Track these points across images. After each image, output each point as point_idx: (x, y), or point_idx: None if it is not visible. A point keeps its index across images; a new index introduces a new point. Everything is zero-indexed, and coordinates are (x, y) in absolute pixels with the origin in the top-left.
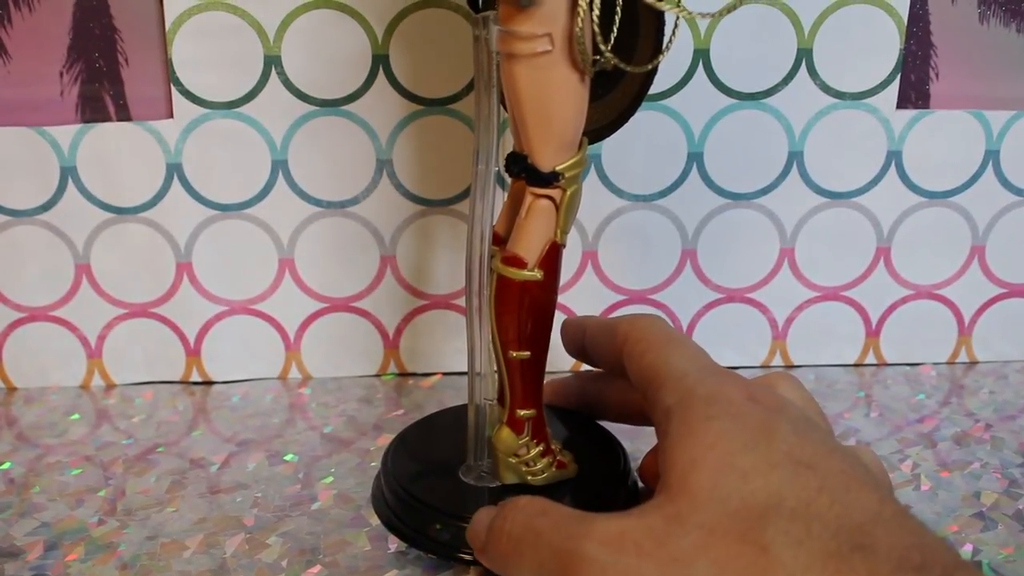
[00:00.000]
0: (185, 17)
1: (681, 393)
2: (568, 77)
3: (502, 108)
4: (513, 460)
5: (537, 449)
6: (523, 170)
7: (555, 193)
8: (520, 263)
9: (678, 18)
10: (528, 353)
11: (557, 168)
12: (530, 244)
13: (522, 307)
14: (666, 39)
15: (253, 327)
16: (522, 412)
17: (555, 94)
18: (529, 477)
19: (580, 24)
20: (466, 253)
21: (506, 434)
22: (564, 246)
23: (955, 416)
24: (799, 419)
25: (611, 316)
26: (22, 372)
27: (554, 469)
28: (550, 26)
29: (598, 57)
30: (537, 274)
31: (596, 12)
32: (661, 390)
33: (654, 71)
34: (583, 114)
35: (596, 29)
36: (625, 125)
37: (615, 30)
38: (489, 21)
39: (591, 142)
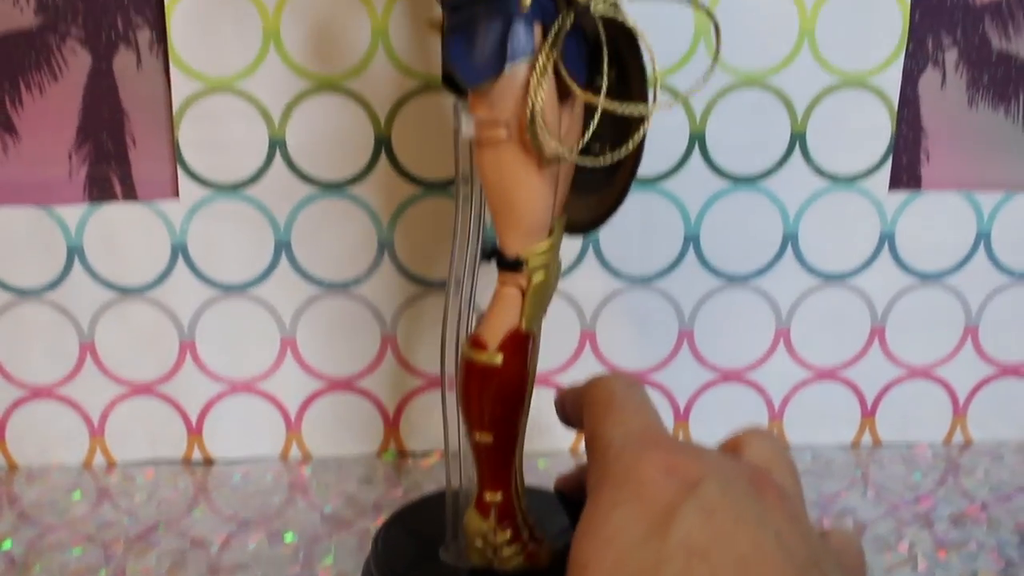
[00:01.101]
0: (192, 100)
1: (598, 473)
2: (527, 165)
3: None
4: (479, 544)
5: (504, 535)
6: (491, 255)
7: (521, 279)
8: (481, 346)
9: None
10: (491, 437)
11: (521, 255)
12: (493, 329)
13: (483, 390)
14: (638, 135)
15: (255, 406)
16: (488, 496)
17: (515, 181)
18: (496, 563)
19: (531, 115)
20: (441, 334)
21: (472, 517)
22: (533, 334)
23: (951, 496)
24: (717, 491)
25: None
26: (24, 450)
27: (522, 558)
28: (507, 114)
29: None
30: (496, 359)
31: (540, 105)
32: (589, 467)
33: (637, 161)
34: (548, 202)
35: (542, 122)
36: (623, 208)
37: (590, 128)
38: (460, 108)
39: (587, 231)
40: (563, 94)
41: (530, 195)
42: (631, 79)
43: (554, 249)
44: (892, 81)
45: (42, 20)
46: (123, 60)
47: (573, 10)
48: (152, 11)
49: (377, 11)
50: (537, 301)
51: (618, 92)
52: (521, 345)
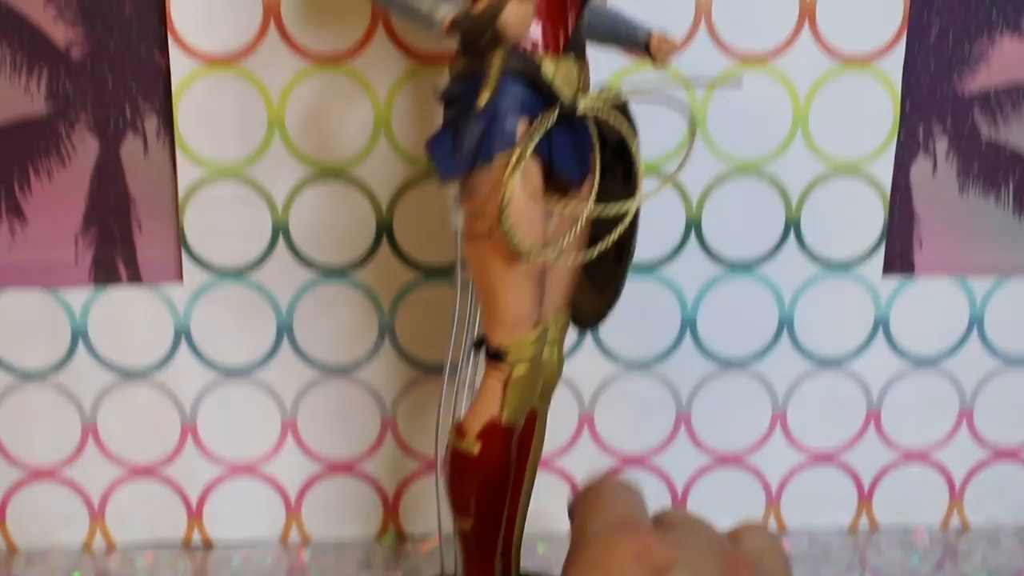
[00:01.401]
0: (198, 186)
1: (572, 558)
2: (506, 259)
3: None
4: None
5: None
6: (479, 344)
7: (503, 371)
8: (461, 434)
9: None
10: (470, 524)
11: (503, 347)
12: (474, 417)
13: (463, 478)
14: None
15: (255, 489)
16: None
17: (495, 274)
18: None
19: (500, 210)
20: (436, 419)
21: None
22: (513, 426)
23: None
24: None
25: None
26: (24, 532)
27: None
28: (488, 207)
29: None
30: (474, 448)
31: (507, 201)
32: (567, 555)
33: (627, 257)
34: (529, 296)
35: (511, 218)
36: (622, 292)
37: (572, 231)
38: (454, 200)
39: (592, 326)
40: (556, 192)
41: (509, 289)
42: (638, 171)
43: (540, 343)
44: (884, 169)
45: (52, 107)
46: (130, 147)
47: (557, 108)
48: (160, 99)
49: (380, 100)
50: (518, 394)
51: (626, 184)
52: (500, 436)
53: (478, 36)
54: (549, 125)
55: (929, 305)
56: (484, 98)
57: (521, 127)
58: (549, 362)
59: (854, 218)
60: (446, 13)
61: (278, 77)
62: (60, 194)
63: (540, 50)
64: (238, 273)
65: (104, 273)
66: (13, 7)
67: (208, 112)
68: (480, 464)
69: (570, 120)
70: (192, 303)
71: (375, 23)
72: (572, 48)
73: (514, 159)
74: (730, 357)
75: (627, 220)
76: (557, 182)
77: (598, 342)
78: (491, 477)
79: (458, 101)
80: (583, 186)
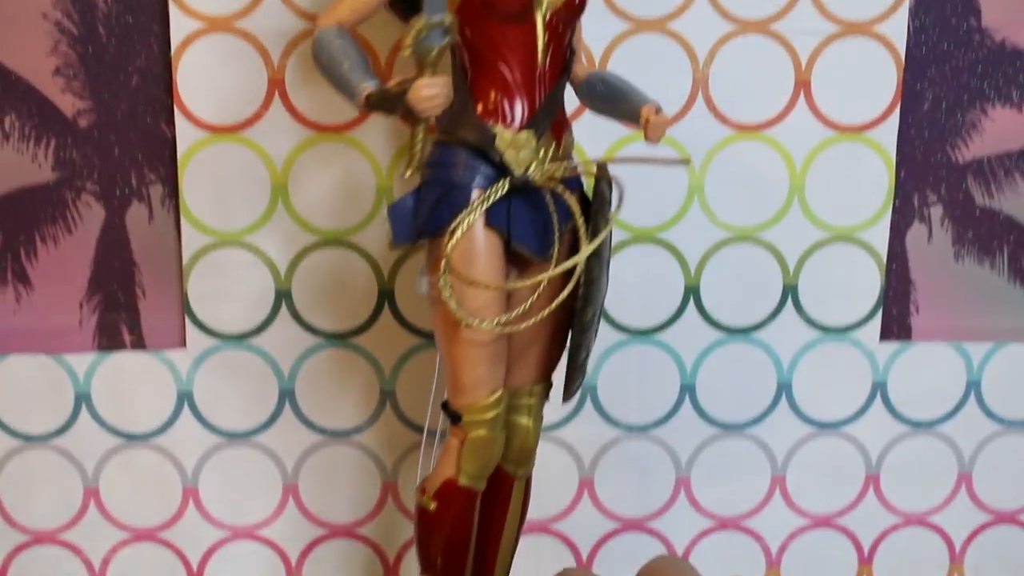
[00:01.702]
0: (202, 253)
1: None
2: (456, 326)
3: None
4: None
5: None
6: (444, 406)
7: (460, 433)
8: (421, 491)
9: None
10: None
11: (458, 409)
12: (433, 476)
13: (422, 533)
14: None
15: (256, 552)
16: None
17: (448, 339)
18: None
19: (440, 282)
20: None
21: None
22: (472, 487)
23: None
24: None
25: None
26: None
27: None
28: (436, 279)
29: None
30: (430, 505)
31: (443, 273)
32: None
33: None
34: (483, 363)
35: (446, 292)
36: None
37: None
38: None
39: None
40: (522, 263)
41: (461, 354)
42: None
43: (498, 409)
44: (880, 236)
45: (59, 175)
46: (136, 214)
47: (508, 180)
48: (165, 167)
49: (382, 169)
50: (474, 457)
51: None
52: (458, 496)
53: (390, 111)
54: (496, 197)
55: (926, 370)
56: (408, 170)
57: (475, 197)
58: (522, 428)
59: (851, 284)
60: (365, 87)
61: (282, 146)
62: (65, 260)
63: (500, 123)
64: (241, 338)
65: (108, 338)
66: (22, 77)
67: (213, 180)
68: (438, 521)
69: (531, 192)
70: (195, 368)
71: None
72: (537, 122)
73: (450, 229)
74: (729, 421)
75: (565, 292)
76: (518, 254)
77: (598, 406)
78: (452, 536)
79: (427, 168)
80: (550, 257)
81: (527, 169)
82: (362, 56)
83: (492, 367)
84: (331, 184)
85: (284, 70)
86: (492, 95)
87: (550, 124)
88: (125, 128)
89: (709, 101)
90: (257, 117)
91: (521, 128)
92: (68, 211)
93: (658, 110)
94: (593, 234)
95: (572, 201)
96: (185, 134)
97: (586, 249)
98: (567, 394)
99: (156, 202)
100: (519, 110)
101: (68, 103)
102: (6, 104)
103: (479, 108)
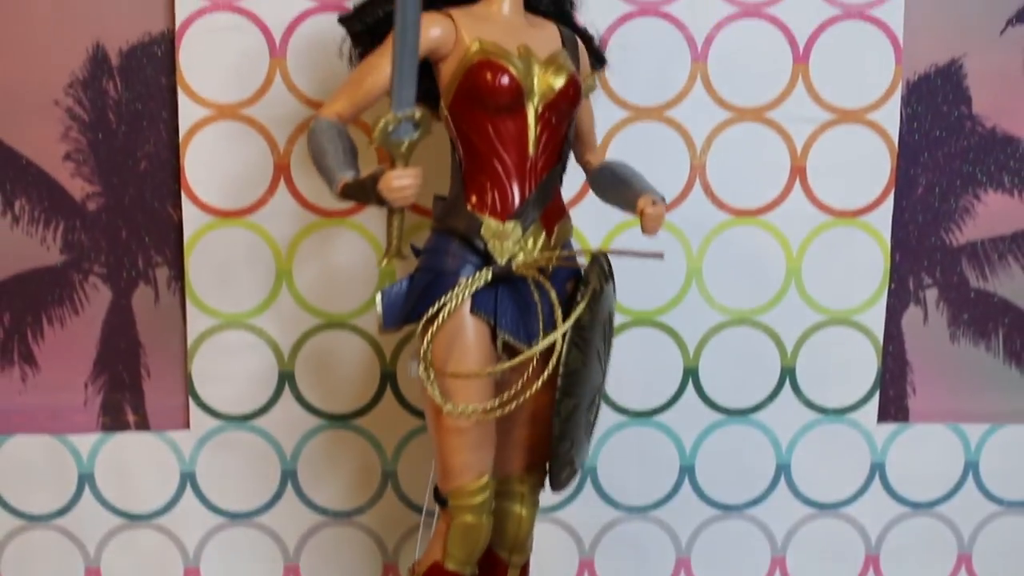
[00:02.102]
0: (207, 335)
1: None
2: (440, 413)
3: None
4: None
5: None
6: (434, 488)
7: (447, 517)
8: (411, 572)
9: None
10: None
11: (445, 492)
12: (424, 558)
13: None
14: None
15: None
16: None
17: (434, 423)
18: None
19: (421, 368)
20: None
21: None
22: (460, 572)
23: None
24: None
25: None
26: None
27: None
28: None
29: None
30: None
31: (421, 359)
32: None
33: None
34: (464, 448)
35: (426, 379)
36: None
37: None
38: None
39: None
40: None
41: (446, 439)
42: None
43: (484, 495)
44: (876, 318)
45: (67, 258)
46: (142, 296)
47: (490, 269)
48: (171, 250)
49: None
50: (460, 542)
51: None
52: None
53: (365, 200)
54: (477, 286)
55: (925, 451)
56: (385, 258)
57: (460, 286)
58: (514, 516)
59: (848, 366)
60: (343, 177)
61: (286, 230)
62: (72, 341)
63: (488, 212)
64: (244, 419)
65: (112, 419)
66: (33, 162)
67: (218, 263)
68: None
69: (519, 282)
70: (198, 448)
71: None
72: (524, 212)
73: (428, 317)
74: (729, 502)
75: (540, 381)
76: (509, 343)
77: (598, 487)
78: None
79: (421, 255)
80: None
81: (511, 259)
82: (348, 147)
83: (477, 453)
84: (334, 268)
85: (289, 156)
86: (483, 185)
87: (540, 214)
88: (133, 212)
89: (707, 187)
90: (262, 202)
91: (508, 218)
92: (75, 293)
93: (655, 201)
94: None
95: (551, 290)
96: (192, 218)
97: (550, 337)
98: (555, 485)
99: (162, 284)
100: (507, 200)
101: (77, 187)
102: (17, 188)
103: (472, 198)
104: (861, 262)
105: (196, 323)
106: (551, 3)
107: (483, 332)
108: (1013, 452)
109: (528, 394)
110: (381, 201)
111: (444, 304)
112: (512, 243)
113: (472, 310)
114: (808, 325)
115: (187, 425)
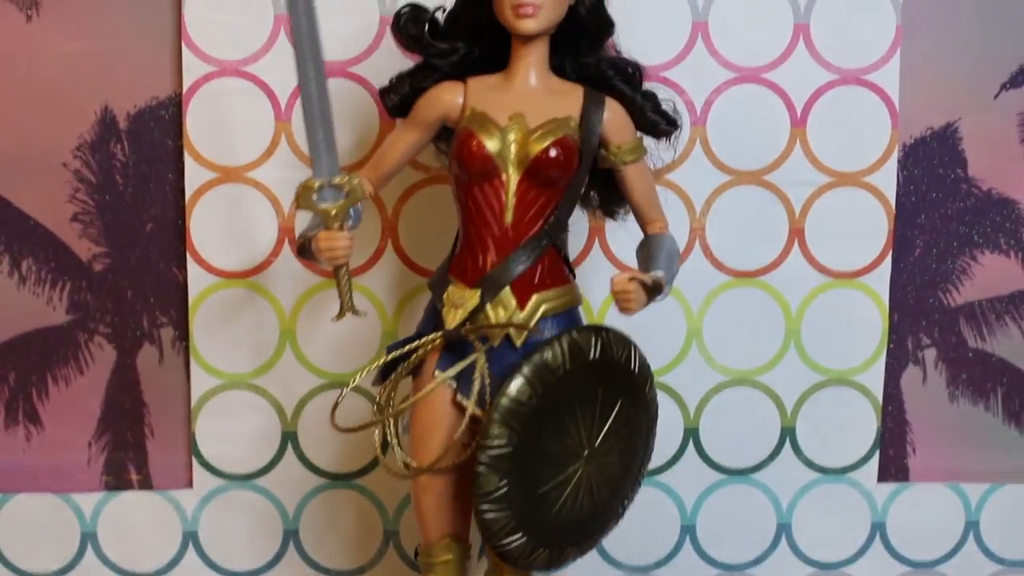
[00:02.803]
0: (210, 395)
1: None
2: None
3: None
4: None
5: None
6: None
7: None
8: None
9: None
10: None
11: (418, 547)
12: None
13: None
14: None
15: None
16: None
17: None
18: None
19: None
20: None
21: None
22: None
23: None
24: None
25: None
26: None
27: None
28: None
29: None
30: None
31: (379, 420)
32: None
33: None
34: (428, 507)
35: (388, 438)
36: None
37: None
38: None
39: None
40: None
41: (413, 495)
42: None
43: (451, 555)
44: (875, 378)
45: (73, 318)
46: (146, 356)
47: (441, 334)
48: (176, 310)
49: (387, 315)
50: None
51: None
52: None
53: (307, 258)
54: (426, 349)
55: (925, 510)
56: (338, 314)
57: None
58: None
59: (848, 426)
60: (301, 234)
61: (290, 291)
62: (76, 400)
63: (459, 278)
64: (247, 478)
65: (115, 478)
66: (40, 223)
67: (222, 323)
68: None
69: (497, 348)
70: (200, 508)
71: (384, 241)
72: (487, 281)
73: (386, 376)
74: (730, 562)
75: (464, 453)
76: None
77: (599, 548)
78: None
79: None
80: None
81: (461, 325)
82: None
83: (440, 513)
84: (337, 328)
85: (293, 219)
86: (463, 251)
87: (510, 284)
88: (138, 272)
89: (706, 248)
90: (267, 264)
91: (473, 285)
92: (80, 352)
93: (632, 279)
94: (491, 392)
95: (480, 356)
96: (196, 278)
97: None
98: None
99: (167, 344)
100: (476, 267)
101: (84, 248)
102: (24, 249)
103: (454, 262)
104: (860, 323)
105: (200, 383)
106: (574, 70)
107: (443, 397)
108: (1014, 511)
109: (449, 460)
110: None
111: (396, 361)
112: (464, 311)
113: (434, 370)
114: (808, 385)
115: (190, 484)
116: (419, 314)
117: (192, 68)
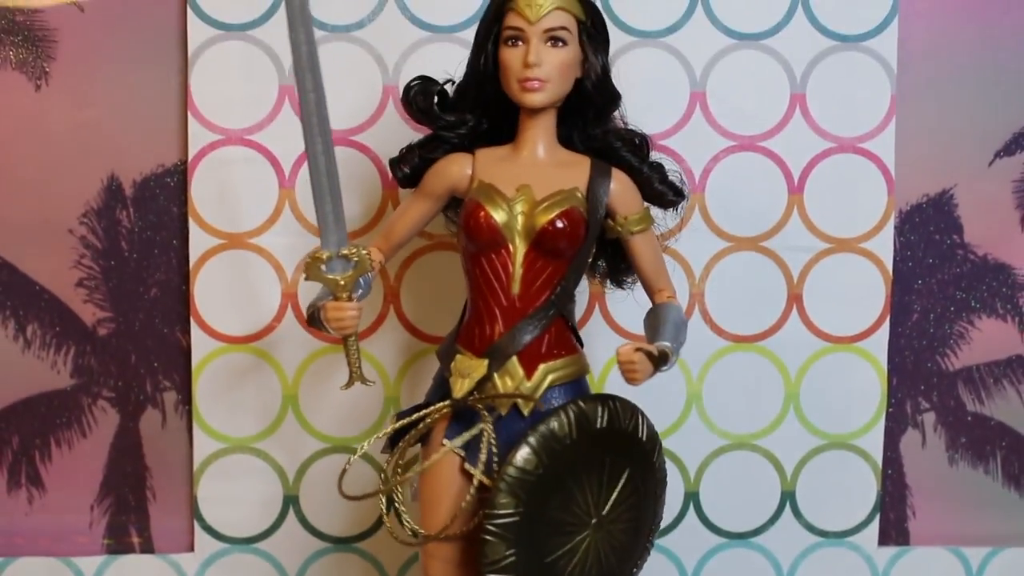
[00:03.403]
0: (213, 458)
1: None
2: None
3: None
4: None
5: None
6: None
7: None
8: None
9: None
10: None
11: None
12: None
13: None
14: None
15: None
16: None
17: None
18: None
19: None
20: None
21: None
22: None
23: None
24: None
25: None
26: None
27: None
28: None
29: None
30: None
31: (389, 491)
32: None
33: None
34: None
35: (397, 507)
36: None
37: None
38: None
39: None
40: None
41: (423, 560)
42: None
43: None
44: (875, 442)
45: (77, 382)
46: (149, 419)
47: (448, 404)
48: (180, 375)
49: (390, 380)
50: None
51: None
52: None
53: (317, 328)
54: (434, 418)
55: (926, 574)
56: (347, 383)
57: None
58: None
59: (848, 490)
60: (310, 304)
61: (293, 356)
62: (79, 464)
63: (467, 347)
64: (248, 542)
65: (116, 541)
66: (46, 288)
67: (225, 388)
68: None
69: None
70: (202, 571)
71: (387, 306)
72: (494, 351)
73: (394, 445)
74: None
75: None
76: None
77: None
78: None
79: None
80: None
81: (468, 395)
82: None
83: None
84: (339, 393)
85: (297, 284)
86: (471, 320)
87: (517, 354)
88: (143, 337)
89: (705, 313)
90: (270, 329)
91: (480, 355)
92: (84, 416)
93: (638, 349)
94: (498, 461)
95: (488, 428)
96: (200, 343)
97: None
98: None
99: (170, 408)
100: (484, 337)
101: (89, 313)
102: (30, 313)
103: (461, 332)
104: (859, 387)
105: (202, 447)
106: (582, 141)
107: (454, 461)
108: (1014, 575)
109: (457, 528)
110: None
111: (404, 429)
112: (472, 381)
113: (443, 438)
114: (808, 449)
115: (191, 548)
116: (421, 379)
117: (198, 136)
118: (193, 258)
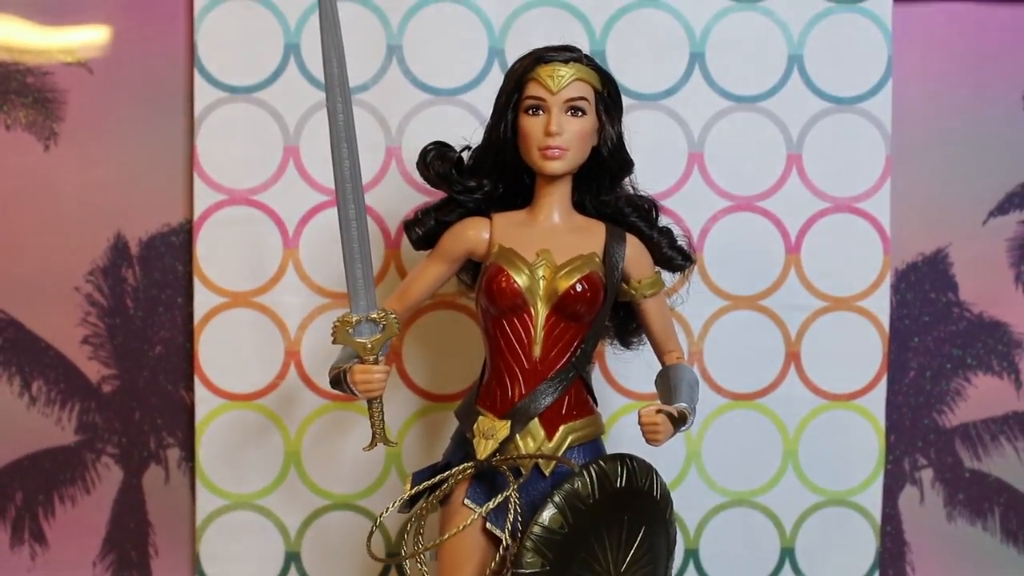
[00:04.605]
0: (215, 515)
1: None
2: None
3: None
4: None
5: None
6: None
7: None
8: None
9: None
10: None
11: None
12: None
13: None
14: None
15: None
16: None
17: None
18: None
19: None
20: None
21: None
22: None
23: None
24: None
25: None
26: None
27: None
28: None
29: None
30: None
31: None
32: None
33: None
34: None
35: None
36: None
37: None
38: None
39: None
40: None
41: None
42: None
43: None
44: (873, 499)
45: (81, 438)
46: (152, 476)
47: (472, 465)
48: (183, 432)
49: (392, 435)
50: None
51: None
52: None
53: (340, 391)
54: (456, 479)
55: None
56: (369, 444)
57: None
58: None
59: (847, 546)
60: (332, 369)
61: (296, 413)
62: (82, 520)
63: (488, 409)
64: None
65: None
66: (52, 345)
67: (228, 445)
68: None
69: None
70: None
71: (388, 364)
72: (515, 413)
73: (414, 505)
74: None
75: None
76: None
77: None
78: None
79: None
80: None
81: (492, 455)
82: None
83: None
84: (342, 450)
85: (300, 342)
86: (491, 382)
87: (539, 416)
88: (147, 394)
89: (704, 372)
90: (273, 386)
91: (502, 417)
92: (88, 472)
93: (659, 410)
94: (524, 525)
95: (513, 491)
96: (204, 400)
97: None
98: None
99: (173, 465)
100: (506, 399)
101: (93, 370)
102: (35, 371)
103: (481, 394)
104: (857, 444)
105: (205, 503)
106: (594, 207)
107: (475, 527)
108: None
109: None
110: (353, 393)
111: (425, 491)
112: (495, 442)
113: (464, 499)
114: (807, 506)
115: None
116: (423, 436)
117: (203, 196)
118: (197, 316)
